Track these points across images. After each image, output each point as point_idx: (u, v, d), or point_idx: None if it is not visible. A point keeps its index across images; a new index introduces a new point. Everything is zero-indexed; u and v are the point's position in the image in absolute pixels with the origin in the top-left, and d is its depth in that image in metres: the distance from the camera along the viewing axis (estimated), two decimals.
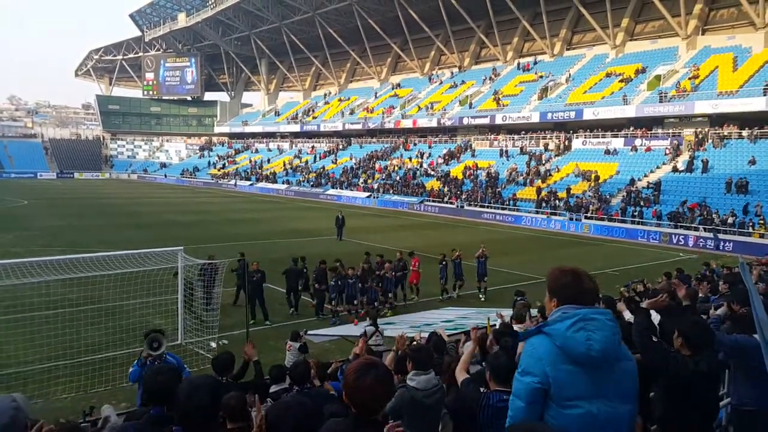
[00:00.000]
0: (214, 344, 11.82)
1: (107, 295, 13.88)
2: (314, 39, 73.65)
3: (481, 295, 17.53)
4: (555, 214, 36.57)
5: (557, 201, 37.44)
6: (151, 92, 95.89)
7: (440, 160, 52.78)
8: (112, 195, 53.88)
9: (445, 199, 44.19)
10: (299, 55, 79.13)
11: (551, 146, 46.82)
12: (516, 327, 8.32)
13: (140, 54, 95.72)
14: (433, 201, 44.78)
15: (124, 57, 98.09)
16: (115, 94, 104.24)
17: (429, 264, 21.79)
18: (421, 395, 4.50)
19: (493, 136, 53.12)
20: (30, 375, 9.27)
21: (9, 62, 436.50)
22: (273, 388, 6.19)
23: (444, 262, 17.46)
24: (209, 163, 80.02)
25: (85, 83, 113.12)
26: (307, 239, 27.63)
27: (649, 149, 40.61)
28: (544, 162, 45.02)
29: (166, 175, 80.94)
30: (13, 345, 10.16)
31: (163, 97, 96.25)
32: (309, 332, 13.48)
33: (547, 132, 48.85)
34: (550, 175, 42.26)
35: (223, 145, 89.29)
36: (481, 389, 3.93)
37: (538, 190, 39.32)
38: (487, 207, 40.73)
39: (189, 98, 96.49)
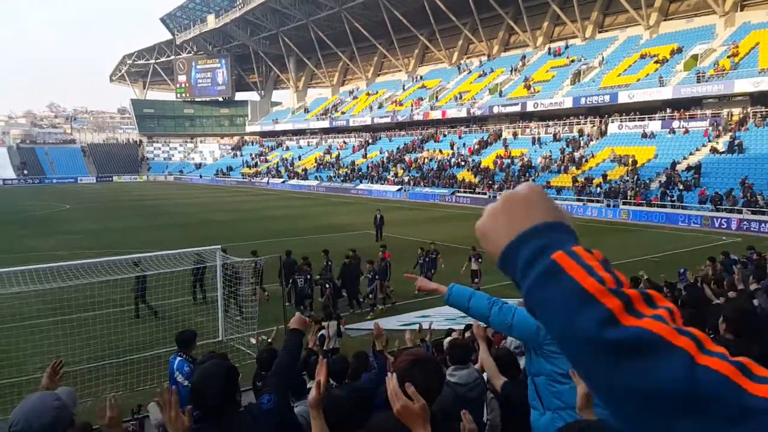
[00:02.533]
0: (254, 340, 11.99)
1: (149, 294, 14.26)
2: (341, 34, 73.82)
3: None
4: (591, 200, 35.85)
5: (593, 187, 36.72)
6: (183, 94, 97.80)
7: (476, 146, 52.29)
8: (149, 197, 55.20)
9: (477, 190, 43.81)
10: (326, 51, 79.43)
11: (586, 132, 45.89)
12: None
13: (172, 57, 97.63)
14: (465, 192, 44.44)
15: (157, 61, 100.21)
16: (149, 97, 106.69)
17: (460, 256, 21.66)
18: (464, 390, 4.47)
19: (524, 124, 52.36)
20: (78, 374, 9.57)
21: (48, 71, 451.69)
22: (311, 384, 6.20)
23: (423, 259, 16.86)
24: (243, 162, 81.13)
25: (120, 88, 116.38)
26: (342, 234, 27.75)
27: (687, 131, 39.39)
28: (579, 148, 44.16)
29: (201, 176, 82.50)
30: (62, 346, 10.52)
31: (196, 99, 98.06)
32: (346, 327, 13.63)
33: (581, 117, 47.90)
34: (586, 161, 41.45)
35: (254, 144, 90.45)
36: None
37: (574, 178, 38.62)
38: None
39: (220, 99, 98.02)
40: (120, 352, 11.23)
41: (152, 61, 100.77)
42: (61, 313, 12.00)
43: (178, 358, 6.98)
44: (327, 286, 14.47)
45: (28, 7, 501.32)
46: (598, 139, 44.68)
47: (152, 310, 14.04)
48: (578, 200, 36.48)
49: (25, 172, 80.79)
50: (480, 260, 16.61)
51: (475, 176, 46.03)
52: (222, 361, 2.92)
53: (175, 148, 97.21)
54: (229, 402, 2.53)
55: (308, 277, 14.58)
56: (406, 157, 57.28)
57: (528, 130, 51.15)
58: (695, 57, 42.44)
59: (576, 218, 34.04)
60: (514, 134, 51.69)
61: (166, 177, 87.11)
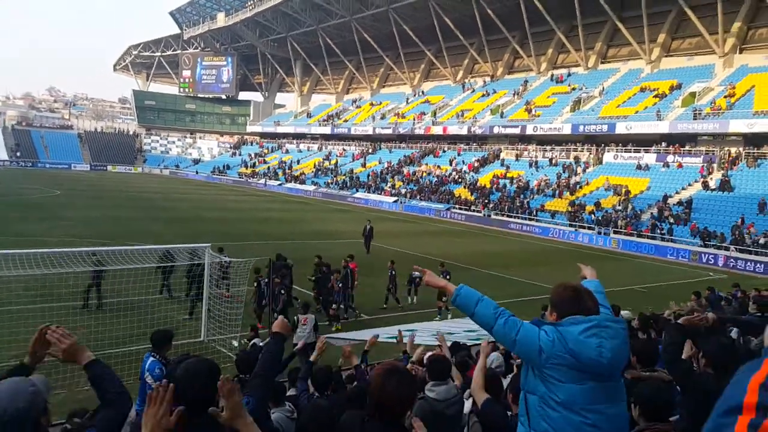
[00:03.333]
0: (236, 343, 11.94)
1: (134, 288, 14.20)
2: (349, 43, 74.21)
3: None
4: (583, 227, 36.08)
5: (585, 214, 36.99)
6: (187, 89, 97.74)
7: (476, 164, 52.55)
8: (143, 189, 55.00)
9: (473, 208, 43.96)
10: (334, 58, 79.78)
11: (582, 159, 46.27)
12: None
13: (178, 51, 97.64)
14: (461, 209, 44.59)
15: (162, 54, 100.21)
16: (151, 89, 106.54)
17: (457, 272, 21.62)
18: (442, 406, 4.48)
19: (523, 146, 52.72)
20: (52, 366, 9.50)
21: (49, 54, 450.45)
22: (291, 392, 6.18)
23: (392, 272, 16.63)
24: (243, 162, 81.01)
25: (122, 78, 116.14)
26: (333, 242, 27.75)
27: (681, 166, 39.80)
28: (574, 174, 44.48)
29: (197, 172, 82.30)
30: (23, 335, 10.43)
31: (199, 95, 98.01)
32: (328, 336, 13.59)
33: (578, 144, 48.29)
34: (580, 187, 41.75)
35: (253, 144, 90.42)
36: (508, 413, 3.89)
37: (572, 203, 38.90)
38: (515, 217, 40.39)
39: (224, 97, 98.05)
40: (96, 346, 11.14)
41: (158, 53, 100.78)
42: (41, 301, 11.90)
43: (151, 358, 6.59)
44: (282, 292, 14.09)
45: None
46: (593, 167, 45.02)
47: (99, 303, 13.92)
48: (570, 225, 36.70)
49: (18, 154, 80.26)
50: (449, 277, 16.44)
51: (472, 194, 46.22)
52: (206, 360, 2.86)
53: (173, 142, 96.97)
54: (210, 402, 2.44)
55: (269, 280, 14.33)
56: (405, 170, 57.45)
57: (526, 153, 51.50)
58: (693, 94, 42.96)
59: (567, 243, 34.34)
60: (516, 156, 52.00)
61: (161, 170, 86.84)
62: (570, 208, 38.15)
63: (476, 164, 52.65)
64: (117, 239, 21.97)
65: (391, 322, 14.79)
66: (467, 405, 5.32)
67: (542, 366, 2.75)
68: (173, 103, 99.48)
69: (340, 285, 15.03)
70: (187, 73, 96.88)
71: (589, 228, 35.72)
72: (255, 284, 13.94)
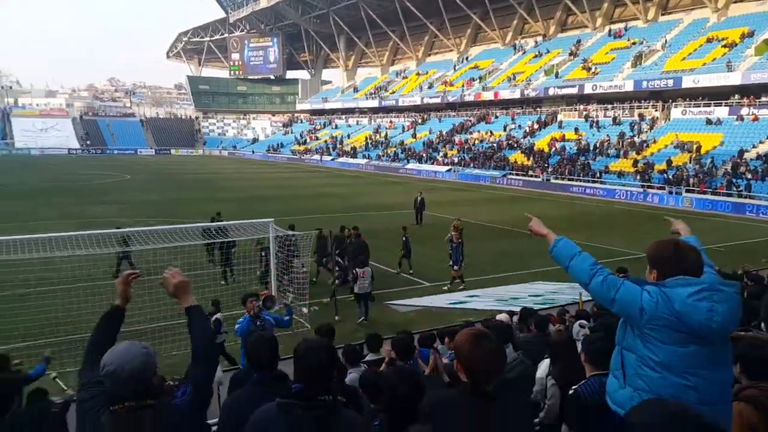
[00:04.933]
0: (305, 309, 12.24)
1: (207, 262, 14.74)
2: (392, 13, 73.08)
3: (461, 285, 15.02)
4: (652, 187, 34.62)
5: (654, 173, 35.42)
6: (237, 72, 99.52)
7: (530, 128, 51.22)
8: (205, 170, 56.73)
9: (530, 173, 42.98)
10: (377, 30, 78.92)
11: (647, 116, 44.18)
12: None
13: (225, 35, 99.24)
14: (517, 174, 43.69)
15: (211, 39, 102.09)
16: (204, 74, 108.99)
17: (516, 239, 21.43)
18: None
19: (582, 107, 50.81)
20: (142, 333, 10.01)
21: (109, 46, 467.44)
22: (370, 356, 6.24)
23: (454, 243, 15.21)
24: (295, 139, 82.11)
25: (176, 64, 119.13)
26: (386, 213, 27.82)
27: (756, 118, 37.29)
28: (640, 133, 42.60)
29: (253, 151, 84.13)
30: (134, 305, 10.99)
31: (248, 77, 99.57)
32: (393, 303, 13.73)
33: (642, 101, 46.08)
34: (647, 146, 39.96)
35: (304, 122, 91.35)
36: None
37: (635, 162, 37.37)
38: (576, 180, 39.22)
39: (272, 77, 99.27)
40: (180, 314, 11.64)
41: (206, 38, 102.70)
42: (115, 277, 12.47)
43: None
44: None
45: None
46: (660, 124, 42.93)
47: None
48: (642, 186, 35.25)
49: (88, 142, 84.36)
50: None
51: (529, 158, 45.15)
52: (323, 339, 3.07)
53: (229, 124, 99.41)
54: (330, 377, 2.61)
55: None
56: (456, 138, 56.64)
57: (585, 113, 49.64)
58: (767, 42, 39.95)
59: (635, 205, 33.11)
60: (575, 117, 50.24)
61: (220, 152, 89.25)
62: (636, 168, 36.66)
63: (530, 128, 51.23)
64: (185, 218, 22.77)
65: (451, 290, 14.80)
66: (540, 370, 5.23)
67: (643, 326, 2.66)
68: (225, 86, 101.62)
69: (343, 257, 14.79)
70: (235, 56, 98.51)
71: (659, 188, 34.23)
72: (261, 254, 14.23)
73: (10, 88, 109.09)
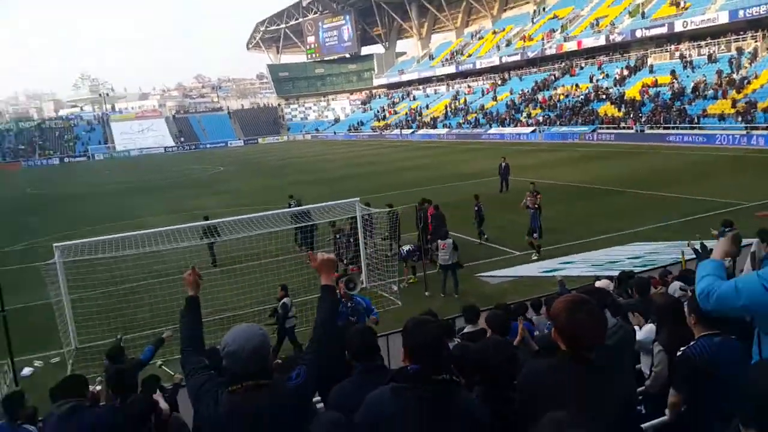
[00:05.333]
0: (395, 287, 12.42)
1: (299, 246, 15.28)
2: None
3: (534, 255, 14.27)
4: (756, 128, 31.57)
5: (758, 112, 32.24)
6: (313, 55, 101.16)
7: (619, 77, 48.12)
8: (292, 155, 58.55)
9: (623, 125, 40.53)
10: None
11: (747, 49, 40.03)
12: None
13: (300, 20, 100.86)
14: (608, 128, 41.35)
15: (287, 25, 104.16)
16: (282, 61, 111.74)
17: (613, 197, 20.50)
18: None
19: (673, 47, 46.92)
20: (242, 318, 10.63)
21: (192, 44, 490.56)
22: (468, 329, 6.22)
23: (531, 209, 14.49)
24: (375, 115, 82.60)
25: (256, 55, 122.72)
26: (469, 182, 27.38)
27: None
28: (739, 69, 38.76)
29: (335, 132, 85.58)
30: (229, 293, 11.71)
31: (325, 58, 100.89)
32: (482, 275, 13.57)
33: (740, 33, 41.79)
34: (748, 83, 36.34)
35: (382, 97, 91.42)
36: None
37: (733, 102, 34.19)
38: (673, 128, 36.53)
39: (347, 55, 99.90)
40: (276, 299, 12.22)
41: (282, 25, 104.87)
42: (228, 263, 13.27)
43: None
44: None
45: None
46: (762, 56, 38.77)
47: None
48: (746, 128, 32.28)
49: (182, 139, 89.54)
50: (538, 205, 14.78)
51: (619, 109, 42.55)
52: (431, 317, 3.14)
53: (310, 108, 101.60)
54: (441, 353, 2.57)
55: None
56: (539, 96, 54.38)
57: (677, 53, 45.82)
58: None
59: (739, 149, 30.40)
60: (667, 58, 46.59)
61: (303, 136, 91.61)
62: (737, 109, 33.53)
63: (619, 77, 48.07)
64: (277, 204, 23.69)
65: (552, 255, 14.35)
66: (642, 334, 4.98)
67: None
68: (304, 70, 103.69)
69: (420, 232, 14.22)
70: (311, 39, 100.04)
71: (765, 128, 31.15)
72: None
73: (107, 95, 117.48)
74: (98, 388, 6.29)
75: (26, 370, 9.60)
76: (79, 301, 10.99)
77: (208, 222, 14.41)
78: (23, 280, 13.79)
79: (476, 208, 16.21)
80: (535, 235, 14.23)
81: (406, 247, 13.40)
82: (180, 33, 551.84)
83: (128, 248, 11.29)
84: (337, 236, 14.21)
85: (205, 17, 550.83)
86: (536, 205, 14.48)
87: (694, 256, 9.69)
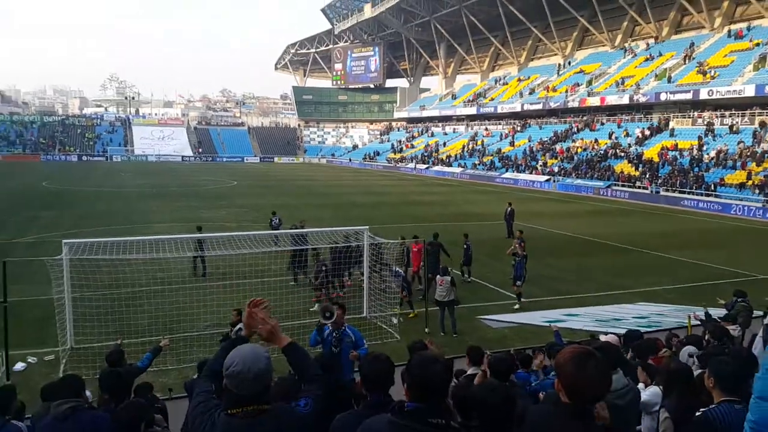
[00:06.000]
0: (395, 320, 12.30)
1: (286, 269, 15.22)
2: (494, 18, 72.20)
3: (516, 304, 14.05)
4: None
5: None
6: (339, 82, 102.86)
7: (639, 136, 48.36)
8: (305, 177, 58.96)
9: (638, 184, 40.53)
10: (478, 36, 78.30)
11: None
12: (731, 329, 7.30)
13: (330, 46, 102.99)
14: (623, 186, 41.36)
15: (317, 50, 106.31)
16: (308, 84, 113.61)
17: (620, 254, 20.45)
18: (613, 396, 4.17)
19: (696, 114, 47.22)
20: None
21: (221, 60, 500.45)
22: (471, 370, 6.13)
23: (518, 256, 14.41)
24: (392, 147, 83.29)
25: (282, 75, 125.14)
26: (477, 223, 27.37)
27: None
28: (761, 142, 38.86)
29: (350, 159, 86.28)
30: (228, 307, 11.67)
31: (350, 86, 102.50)
32: (484, 318, 13.44)
33: (765, 107, 42.04)
34: None
35: (401, 130, 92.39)
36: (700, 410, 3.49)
37: (748, 175, 34.15)
38: (689, 193, 36.48)
39: (372, 86, 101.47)
40: (278, 318, 12.14)
41: (312, 50, 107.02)
42: (229, 278, 13.28)
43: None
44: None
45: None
46: None
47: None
48: (761, 201, 32.17)
49: (200, 150, 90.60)
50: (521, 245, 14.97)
51: (636, 168, 42.62)
52: (439, 355, 3.01)
53: (329, 132, 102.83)
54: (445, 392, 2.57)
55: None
56: (557, 146, 54.69)
57: (700, 120, 46.07)
58: None
59: (754, 221, 30.22)
60: (683, 124, 46.83)
61: (319, 159, 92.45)
62: (755, 180, 33.48)
63: (643, 135, 48.28)
64: (284, 223, 23.77)
65: (544, 306, 14.23)
66: (647, 395, 4.89)
67: None
68: (327, 95, 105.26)
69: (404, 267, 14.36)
70: (338, 66, 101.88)
71: None
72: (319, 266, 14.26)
73: (133, 98, 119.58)
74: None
75: (19, 365, 9.52)
76: (80, 300, 10.96)
77: (200, 235, 14.70)
78: (28, 273, 13.85)
79: (465, 247, 16.33)
80: (518, 282, 14.11)
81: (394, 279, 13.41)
82: (212, 46, 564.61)
83: (134, 252, 11.32)
84: (323, 267, 14.04)
85: (238, 34, 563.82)
86: (524, 253, 14.48)
87: (699, 322, 9.57)
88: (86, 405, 4.16)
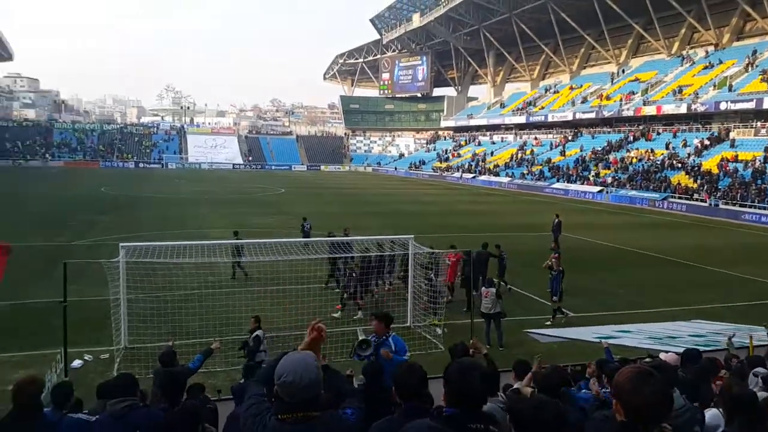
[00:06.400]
0: (439, 330, 12.18)
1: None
2: (545, 26, 71.18)
3: (548, 321, 13.60)
4: None
5: None
6: (386, 91, 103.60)
7: (698, 147, 46.58)
8: (351, 185, 59.49)
9: (696, 197, 38.95)
10: (528, 44, 77.32)
11: None
12: None
13: (378, 56, 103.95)
14: (680, 198, 39.84)
15: (365, 60, 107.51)
16: (355, 94, 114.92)
17: (674, 268, 19.80)
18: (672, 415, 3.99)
19: (759, 123, 45.07)
20: (286, 340, 10.68)
21: (272, 71, 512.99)
22: (517, 384, 6.00)
23: (554, 271, 13.88)
24: (438, 156, 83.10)
25: (331, 85, 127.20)
26: (522, 234, 26.85)
27: None
28: None
29: (396, 168, 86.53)
30: (273, 312, 11.83)
31: (396, 95, 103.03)
32: (531, 331, 13.13)
33: None
34: None
35: (447, 139, 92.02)
36: None
37: None
38: (750, 206, 34.78)
39: (419, 95, 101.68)
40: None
41: (360, 60, 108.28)
42: (274, 282, 13.47)
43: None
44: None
45: (264, 11, 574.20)
46: None
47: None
48: None
49: (250, 158, 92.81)
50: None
51: (695, 181, 40.98)
52: (477, 361, 3.03)
53: (375, 141, 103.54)
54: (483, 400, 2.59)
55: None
56: (611, 156, 53.22)
57: (764, 131, 43.94)
58: None
59: None
60: (744, 135, 44.78)
61: (365, 168, 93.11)
62: None
63: (702, 146, 46.44)
64: (329, 230, 23.99)
65: (602, 321, 13.79)
66: (708, 417, 4.64)
67: None
68: (374, 104, 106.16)
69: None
70: (386, 75, 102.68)
71: None
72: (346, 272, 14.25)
73: (188, 108, 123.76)
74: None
75: (76, 362, 9.91)
76: (134, 302, 11.34)
77: (237, 241, 15.05)
78: (86, 274, 14.46)
79: (500, 257, 16.00)
80: (554, 298, 13.69)
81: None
82: (263, 57, 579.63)
83: (187, 256, 11.64)
84: (352, 274, 14.05)
85: (288, 45, 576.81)
86: (560, 267, 13.98)
87: (763, 342, 9.06)
88: (141, 403, 4.27)
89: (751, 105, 44.59)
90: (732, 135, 45.88)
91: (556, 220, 23.54)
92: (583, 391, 6.92)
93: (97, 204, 35.18)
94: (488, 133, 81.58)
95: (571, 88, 71.68)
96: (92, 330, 11.47)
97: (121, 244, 11.02)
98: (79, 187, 46.56)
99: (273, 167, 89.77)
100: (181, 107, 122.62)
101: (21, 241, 21.32)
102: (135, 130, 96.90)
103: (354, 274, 13.89)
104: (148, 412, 4.14)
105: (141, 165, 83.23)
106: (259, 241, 13.29)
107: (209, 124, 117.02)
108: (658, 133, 53.72)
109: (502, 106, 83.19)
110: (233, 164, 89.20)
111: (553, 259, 14.26)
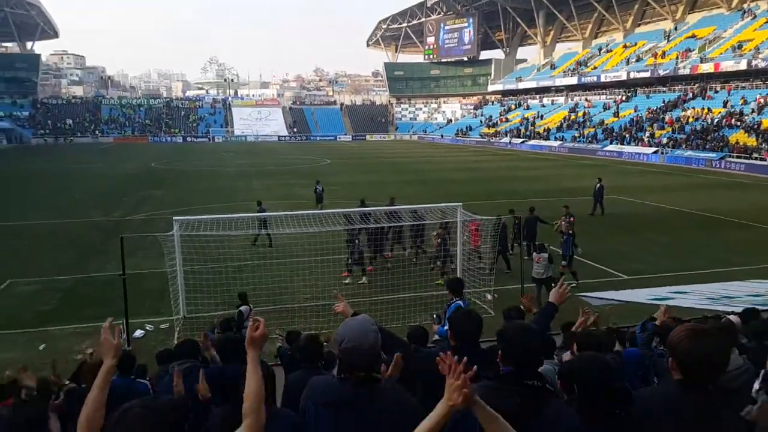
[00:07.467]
0: (489, 296, 12.15)
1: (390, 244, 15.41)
2: None
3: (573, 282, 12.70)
4: None
5: None
6: (431, 56, 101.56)
7: (758, 104, 44.01)
8: (397, 154, 59.16)
9: (755, 155, 36.94)
10: (580, 2, 74.13)
11: None
12: None
13: (422, 19, 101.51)
14: (739, 157, 37.87)
15: (408, 24, 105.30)
16: (399, 60, 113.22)
17: (735, 230, 19.00)
18: (726, 378, 3.87)
19: None
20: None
21: (315, 39, 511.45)
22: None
23: (565, 235, 13.61)
24: (486, 122, 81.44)
25: (374, 52, 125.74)
26: (577, 198, 26.14)
27: None
28: None
29: (442, 135, 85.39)
30: (324, 281, 12.05)
31: (442, 60, 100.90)
32: (584, 294, 12.90)
33: None
34: None
35: (495, 104, 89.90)
36: None
37: None
38: None
39: (465, 59, 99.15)
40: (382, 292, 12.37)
41: (404, 24, 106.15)
42: (323, 252, 13.68)
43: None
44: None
45: None
46: None
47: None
48: None
49: (295, 129, 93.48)
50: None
51: (755, 139, 38.81)
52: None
53: (420, 109, 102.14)
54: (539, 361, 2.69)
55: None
56: (666, 116, 50.88)
57: None
58: None
59: None
60: None
61: (410, 136, 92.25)
62: None
63: (758, 104, 43.77)
64: (375, 201, 24.06)
65: (652, 284, 13.43)
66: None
67: None
68: (419, 70, 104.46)
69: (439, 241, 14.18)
70: (431, 39, 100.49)
71: None
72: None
73: (232, 80, 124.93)
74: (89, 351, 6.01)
75: (138, 332, 10.42)
76: (191, 273, 11.76)
77: (262, 214, 15.39)
78: (142, 247, 15.05)
79: (515, 222, 15.70)
80: (564, 262, 13.24)
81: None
82: (306, 26, 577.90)
83: (239, 228, 11.93)
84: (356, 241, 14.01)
85: (330, 13, 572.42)
86: (570, 231, 13.57)
87: None
88: (201, 366, 4.50)
89: None
90: None
91: (598, 185, 22.85)
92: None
93: (148, 179, 36.33)
94: (538, 96, 79.19)
95: (625, 47, 68.47)
96: (151, 301, 12.01)
97: (174, 218, 11.39)
98: (129, 163, 48.09)
99: (318, 138, 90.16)
100: (225, 80, 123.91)
101: (84, 216, 22.40)
102: (181, 104, 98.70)
103: (357, 241, 13.97)
104: (207, 370, 4.38)
105: (189, 139, 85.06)
106: (307, 212, 13.41)
107: (253, 96, 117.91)
108: (716, 91, 50.89)
109: (553, 67, 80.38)
110: (278, 136, 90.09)
111: (563, 223, 14.00)
